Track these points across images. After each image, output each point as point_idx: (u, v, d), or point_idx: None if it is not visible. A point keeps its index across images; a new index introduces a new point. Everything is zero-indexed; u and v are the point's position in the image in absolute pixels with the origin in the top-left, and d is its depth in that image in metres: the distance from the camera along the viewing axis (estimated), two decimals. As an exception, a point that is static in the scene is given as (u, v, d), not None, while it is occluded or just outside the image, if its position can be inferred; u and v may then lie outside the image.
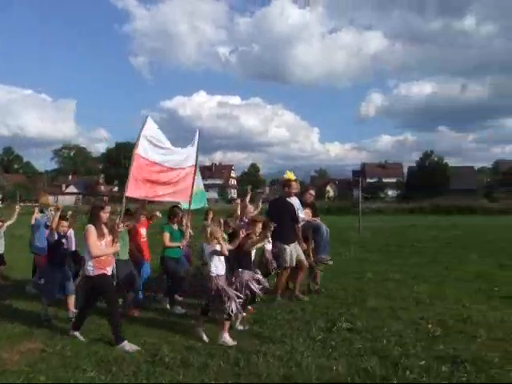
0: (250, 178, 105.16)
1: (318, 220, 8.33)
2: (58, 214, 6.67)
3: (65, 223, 6.89)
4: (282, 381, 4.41)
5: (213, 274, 5.70)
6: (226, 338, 5.54)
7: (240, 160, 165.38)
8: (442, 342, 5.47)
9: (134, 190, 6.08)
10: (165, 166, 6.50)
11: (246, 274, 6.06)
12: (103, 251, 5.66)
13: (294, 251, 7.60)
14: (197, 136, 7.29)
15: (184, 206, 7.59)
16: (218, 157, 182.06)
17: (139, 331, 6.01)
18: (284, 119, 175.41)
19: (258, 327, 6.19)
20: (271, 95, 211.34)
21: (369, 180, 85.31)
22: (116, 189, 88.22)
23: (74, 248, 8.38)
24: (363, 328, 6.00)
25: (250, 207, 8.09)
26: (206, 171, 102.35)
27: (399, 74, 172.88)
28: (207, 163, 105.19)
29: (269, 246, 7.33)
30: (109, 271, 5.77)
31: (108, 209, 5.90)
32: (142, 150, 6.12)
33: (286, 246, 7.51)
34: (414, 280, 9.49)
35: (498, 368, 4.63)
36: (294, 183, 7.81)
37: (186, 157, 7.01)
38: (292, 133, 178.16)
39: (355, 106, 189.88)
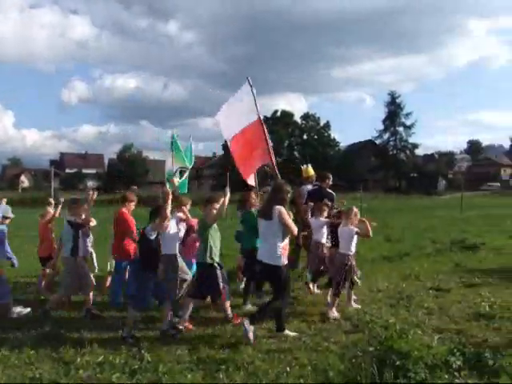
0: None
1: None
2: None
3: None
4: None
5: (351, 253, 6.40)
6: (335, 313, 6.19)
7: None
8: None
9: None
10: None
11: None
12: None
13: None
14: (249, 85, 7.02)
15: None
16: None
17: None
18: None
19: None
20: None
21: (68, 170, 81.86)
22: None
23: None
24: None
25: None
26: None
27: (105, 65, 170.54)
28: None
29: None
30: None
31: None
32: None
33: None
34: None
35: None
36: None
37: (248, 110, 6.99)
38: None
39: (57, 91, 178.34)
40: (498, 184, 72.86)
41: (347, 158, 71.65)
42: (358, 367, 4.23)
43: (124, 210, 7.03)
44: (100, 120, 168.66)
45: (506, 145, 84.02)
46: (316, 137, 74.52)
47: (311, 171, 9.20)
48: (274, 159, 7.10)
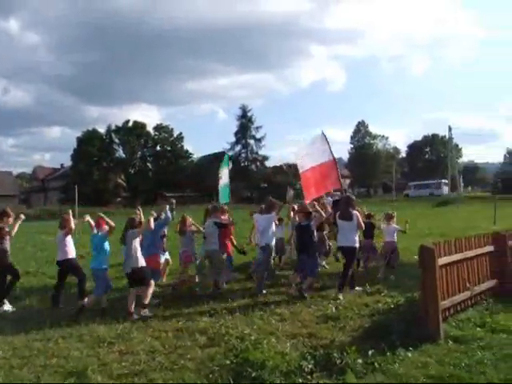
0: None
1: None
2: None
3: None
4: None
5: (395, 240, 9.45)
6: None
7: None
8: None
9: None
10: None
11: None
12: None
13: None
14: (324, 136, 10.21)
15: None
16: None
17: None
18: None
19: None
20: None
21: None
22: None
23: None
24: None
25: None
26: None
27: None
28: None
29: None
30: None
31: None
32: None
33: None
34: None
35: None
36: None
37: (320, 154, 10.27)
38: None
39: None
40: (339, 193, 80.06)
41: (199, 169, 72.16)
42: (215, 382, 4.15)
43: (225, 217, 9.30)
44: None
45: (345, 158, 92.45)
46: (169, 148, 73.88)
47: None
48: (342, 184, 10.06)
